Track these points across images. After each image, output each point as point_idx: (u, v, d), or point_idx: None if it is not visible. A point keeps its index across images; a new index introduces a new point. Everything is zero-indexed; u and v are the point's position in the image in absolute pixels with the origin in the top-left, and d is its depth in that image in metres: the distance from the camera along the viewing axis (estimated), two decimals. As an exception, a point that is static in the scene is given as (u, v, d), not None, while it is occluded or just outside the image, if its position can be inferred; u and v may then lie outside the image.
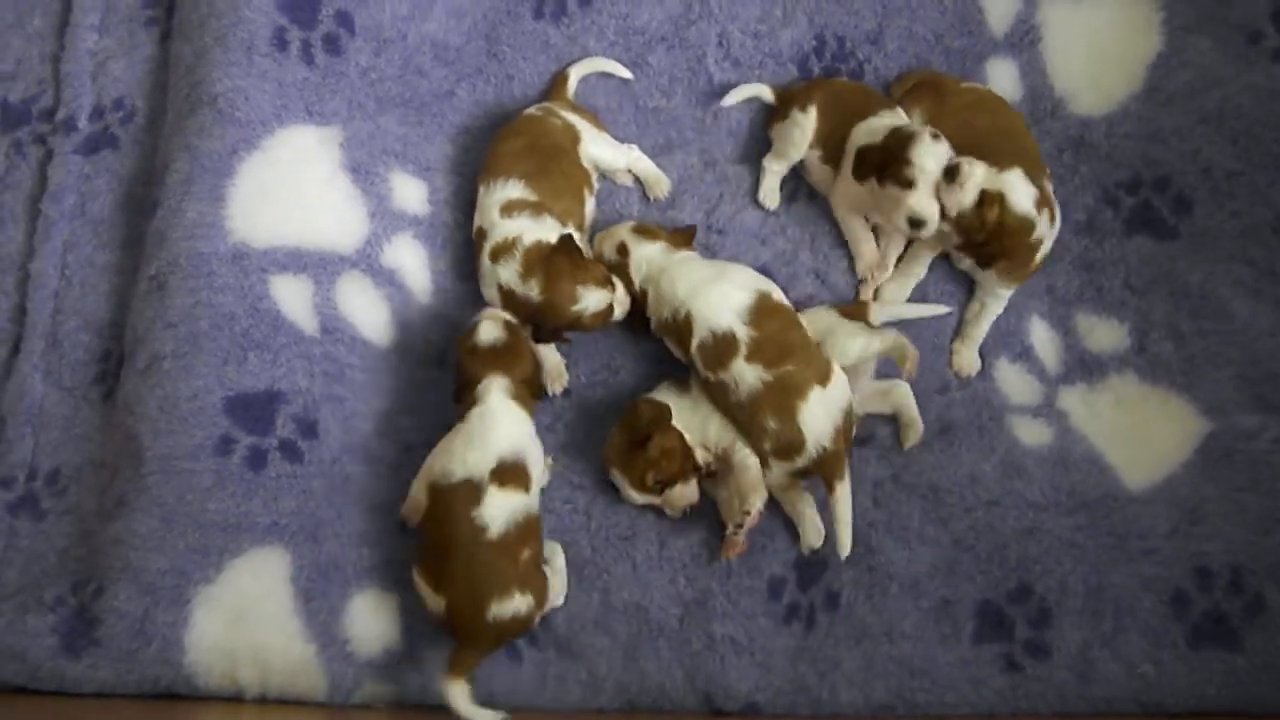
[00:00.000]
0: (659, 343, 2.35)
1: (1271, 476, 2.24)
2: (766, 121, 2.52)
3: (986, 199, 2.23)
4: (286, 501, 2.24)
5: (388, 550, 2.26)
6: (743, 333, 2.18)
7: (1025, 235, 2.26)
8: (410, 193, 2.49)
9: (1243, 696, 2.15)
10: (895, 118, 2.39)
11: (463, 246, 2.48)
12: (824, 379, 2.17)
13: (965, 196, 2.24)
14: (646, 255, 2.30)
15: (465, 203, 2.49)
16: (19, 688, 2.20)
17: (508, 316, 2.24)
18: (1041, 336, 2.41)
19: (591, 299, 2.24)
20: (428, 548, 2.12)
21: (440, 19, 2.56)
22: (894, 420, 2.33)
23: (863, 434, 2.32)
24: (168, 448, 2.24)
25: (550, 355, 2.35)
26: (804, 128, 2.42)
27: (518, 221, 2.29)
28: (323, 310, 2.35)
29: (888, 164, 2.27)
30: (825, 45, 2.57)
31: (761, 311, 2.21)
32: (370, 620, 2.22)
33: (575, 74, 2.54)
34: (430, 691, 2.18)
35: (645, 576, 2.26)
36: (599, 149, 2.44)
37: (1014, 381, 2.38)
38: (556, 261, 2.23)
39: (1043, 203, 2.26)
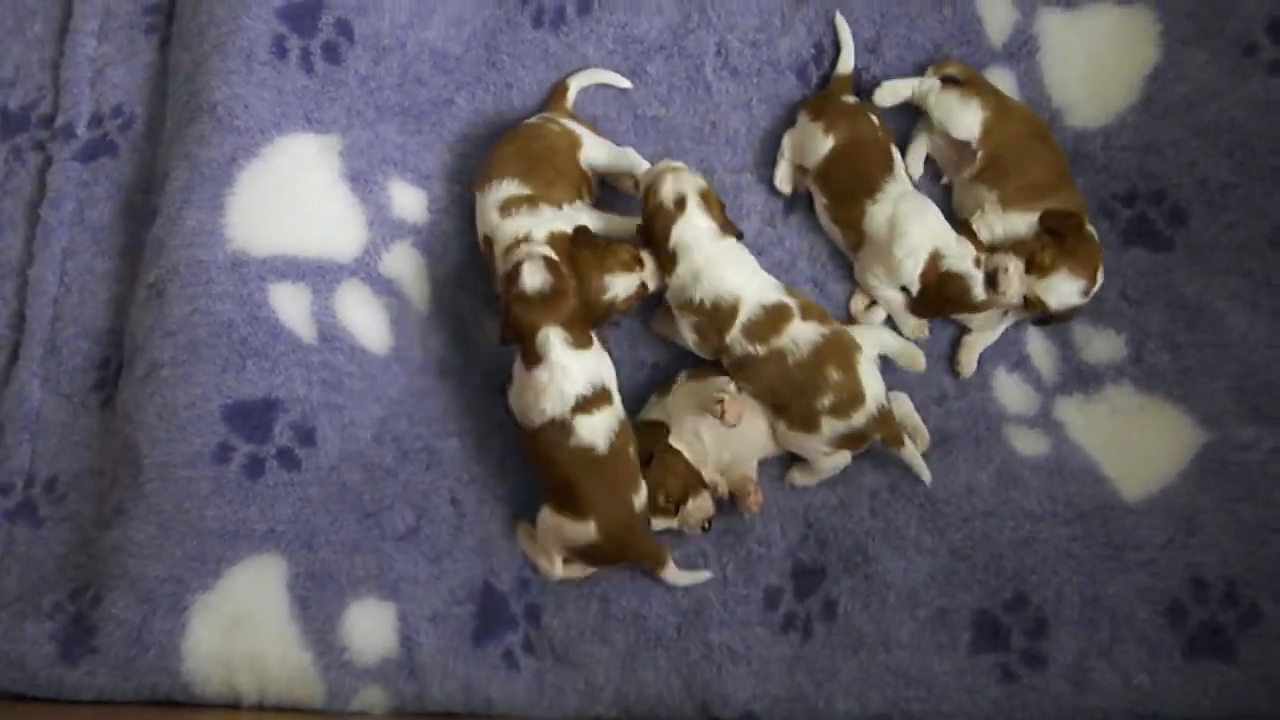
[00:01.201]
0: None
1: (1267, 488, 2.24)
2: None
3: (1030, 303, 2.31)
4: (284, 509, 2.25)
5: (385, 558, 2.26)
6: (790, 301, 2.23)
7: (1073, 313, 2.35)
8: (409, 201, 2.49)
9: (1238, 708, 2.15)
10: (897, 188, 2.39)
11: (461, 255, 2.48)
12: (860, 347, 2.25)
13: (1010, 300, 2.31)
14: (697, 229, 2.25)
15: (464, 211, 2.49)
16: (17, 695, 2.20)
17: (545, 251, 2.22)
18: (1038, 347, 2.41)
19: (620, 285, 2.24)
20: (549, 487, 2.19)
21: (439, 27, 2.57)
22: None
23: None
24: (166, 455, 2.24)
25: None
26: (818, 147, 2.43)
27: (518, 219, 2.29)
28: (321, 319, 2.35)
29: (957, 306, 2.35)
30: (824, 54, 2.57)
31: (792, 292, 2.28)
32: (368, 628, 2.22)
33: (574, 85, 2.54)
34: (427, 699, 2.19)
35: (643, 585, 2.26)
36: (599, 152, 2.44)
37: (1011, 391, 2.39)
38: (580, 256, 2.24)
39: (1090, 282, 2.31)
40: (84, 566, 2.29)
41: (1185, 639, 2.18)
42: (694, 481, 2.22)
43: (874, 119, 2.45)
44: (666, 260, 2.26)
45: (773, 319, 2.21)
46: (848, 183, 2.39)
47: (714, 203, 2.29)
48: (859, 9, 2.57)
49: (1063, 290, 2.28)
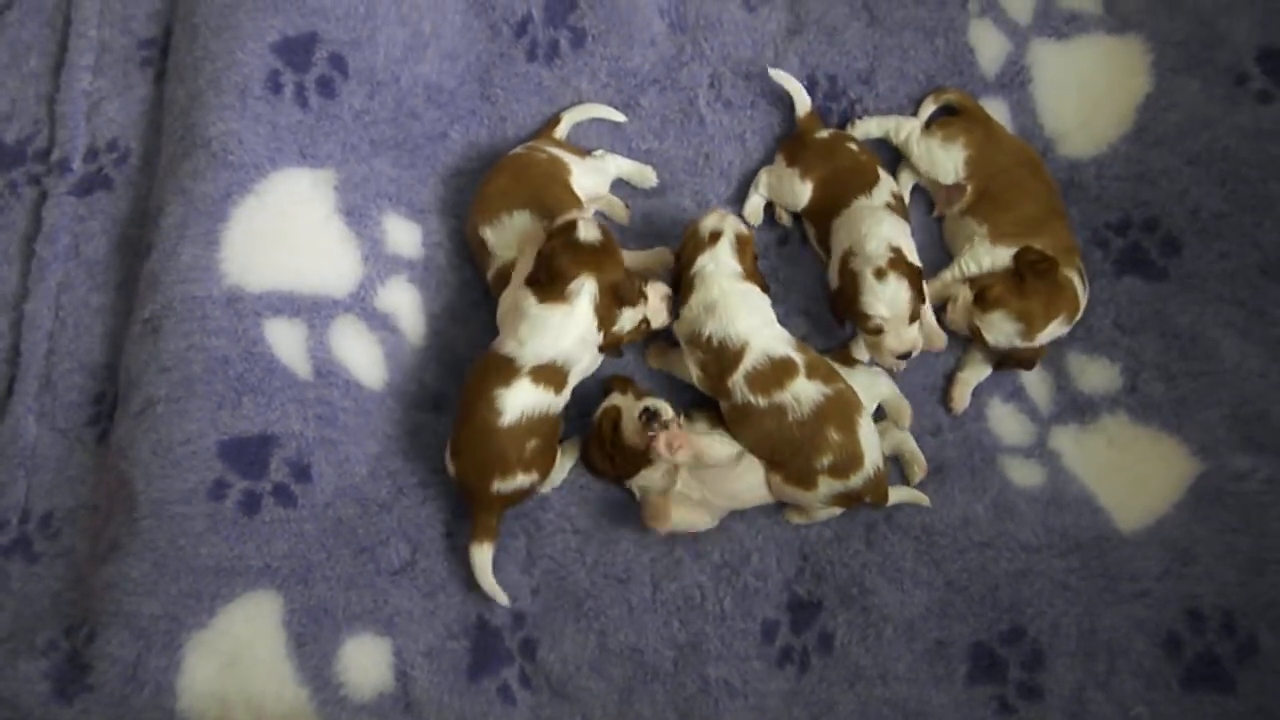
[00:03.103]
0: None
1: (1262, 517, 2.24)
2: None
3: (973, 332, 2.31)
4: (279, 545, 2.24)
5: (380, 593, 2.26)
6: (798, 358, 2.22)
7: (1031, 354, 2.33)
8: (404, 236, 2.50)
9: (1237, 740, 2.15)
10: (885, 191, 2.39)
11: (456, 289, 2.49)
12: (861, 406, 2.24)
13: (962, 328, 2.33)
14: (721, 263, 2.27)
15: (459, 245, 2.51)
16: (11, 734, 2.20)
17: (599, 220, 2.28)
18: (1033, 377, 2.42)
19: (625, 319, 2.25)
20: (458, 412, 2.25)
21: (433, 62, 2.58)
22: (891, 462, 2.33)
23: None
24: (161, 492, 2.24)
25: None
26: (796, 194, 2.45)
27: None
28: (316, 354, 2.35)
29: (848, 311, 2.28)
30: (817, 85, 2.59)
31: (803, 347, 2.27)
32: (363, 664, 2.22)
33: (567, 119, 2.56)
34: (423, 736, 2.19)
35: (641, 619, 2.26)
36: (589, 179, 2.46)
37: (1006, 422, 2.39)
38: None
39: (1030, 327, 2.28)
40: (79, 603, 2.28)
41: (1183, 670, 2.18)
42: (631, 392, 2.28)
43: (852, 146, 2.46)
44: (684, 288, 2.29)
45: (777, 372, 2.21)
46: (829, 209, 2.41)
47: (748, 250, 2.31)
48: (852, 41, 2.59)
49: (998, 329, 2.28)
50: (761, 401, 2.20)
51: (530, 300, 2.19)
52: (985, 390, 2.40)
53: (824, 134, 2.49)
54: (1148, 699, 2.16)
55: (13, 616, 2.31)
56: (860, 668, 2.21)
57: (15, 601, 2.33)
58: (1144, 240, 2.46)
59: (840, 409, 2.20)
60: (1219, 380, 2.34)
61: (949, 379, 2.41)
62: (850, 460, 2.18)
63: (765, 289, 2.32)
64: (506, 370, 2.19)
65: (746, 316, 2.24)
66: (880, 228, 2.27)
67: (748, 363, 2.21)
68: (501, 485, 2.20)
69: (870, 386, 2.33)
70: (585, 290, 2.18)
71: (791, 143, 2.51)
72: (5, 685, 2.19)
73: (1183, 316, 2.39)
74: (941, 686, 2.19)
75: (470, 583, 2.27)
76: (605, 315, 2.21)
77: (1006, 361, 2.36)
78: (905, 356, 2.27)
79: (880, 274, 2.21)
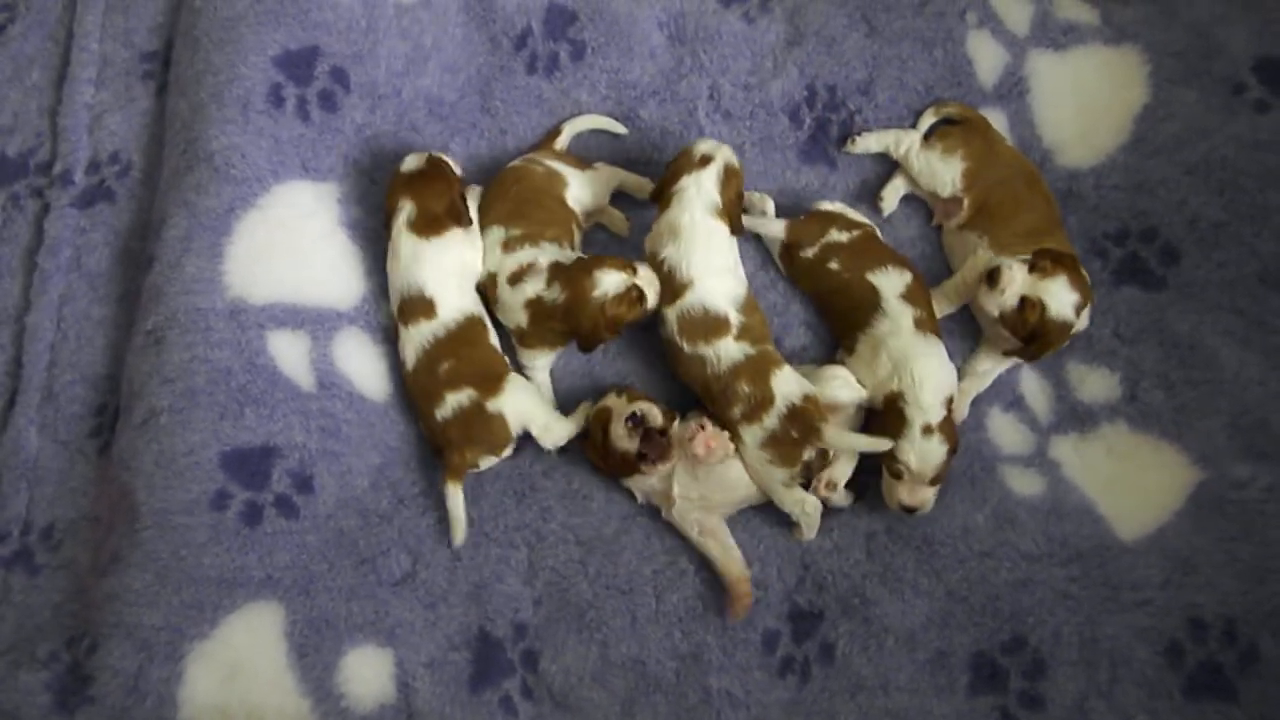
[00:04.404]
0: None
1: (1263, 526, 2.24)
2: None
3: (1028, 305, 2.25)
4: (281, 556, 2.25)
5: (381, 604, 2.26)
6: (734, 318, 2.26)
7: (1064, 335, 2.29)
8: (406, 247, 2.50)
9: (1240, 749, 2.15)
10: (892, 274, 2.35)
11: (458, 301, 2.49)
12: (781, 362, 2.27)
13: (1007, 301, 2.26)
14: (703, 189, 2.30)
15: (460, 257, 2.51)
16: (12, 746, 2.19)
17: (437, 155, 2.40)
18: (1032, 386, 2.42)
19: (609, 280, 2.25)
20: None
21: (434, 75, 2.59)
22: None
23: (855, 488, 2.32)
24: (163, 503, 2.24)
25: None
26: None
27: (524, 252, 2.34)
28: (319, 366, 2.36)
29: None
30: (816, 96, 2.60)
31: (749, 305, 2.31)
32: (365, 675, 2.22)
33: (568, 130, 2.57)
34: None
35: (643, 630, 2.26)
36: (587, 191, 2.47)
37: (1006, 431, 2.39)
38: (573, 264, 2.30)
39: (1083, 303, 2.27)
40: (80, 615, 2.28)
41: (1185, 679, 2.17)
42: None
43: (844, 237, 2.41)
44: (661, 204, 2.32)
45: (707, 327, 2.26)
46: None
47: (733, 184, 2.33)
48: (851, 52, 2.60)
49: (1060, 297, 2.23)
50: (686, 346, 2.26)
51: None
52: (985, 400, 2.41)
53: (810, 253, 2.41)
54: (1150, 708, 2.16)
55: (14, 628, 2.32)
56: (862, 678, 2.21)
57: (16, 613, 2.34)
58: (1143, 250, 2.46)
59: (757, 365, 2.23)
60: (1218, 389, 2.35)
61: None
62: (760, 402, 2.20)
63: (737, 229, 2.34)
64: (396, 329, 2.38)
65: (704, 255, 2.28)
66: (937, 374, 2.24)
67: (684, 303, 2.26)
68: (443, 412, 2.28)
69: (855, 393, 2.30)
70: (401, 215, 2.33)
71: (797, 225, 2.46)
72: (7, 697, 2.19)
73: (1182, 325, 2.40)
74: (943, 697, 2.19)
75: (472, 594, 2.27)
76: (432, 231, 2.33)
77: (1024, 351, 2.30)
78: (909, 511, 2.25)
79: (928, 431, 2.20)
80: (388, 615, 2.25)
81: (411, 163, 2.37)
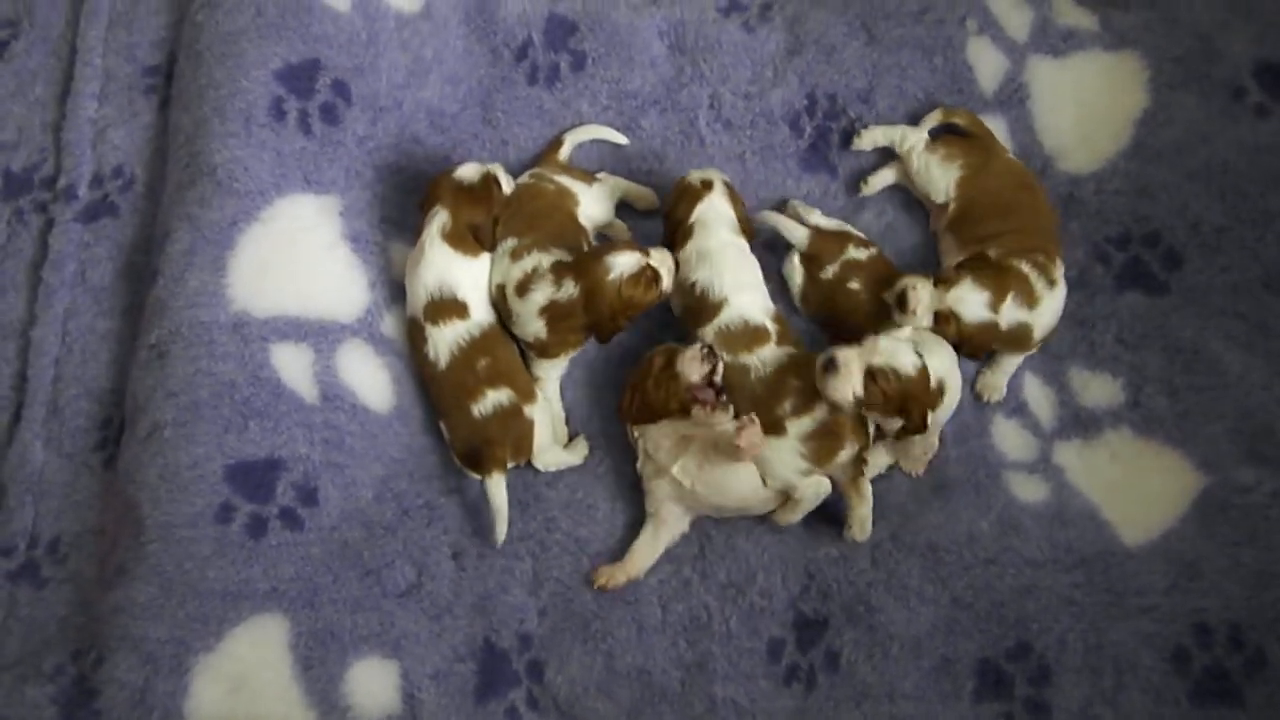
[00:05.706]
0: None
1: (1268, 530, 2.24)
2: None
3: (942, 318, 2.29)
4: (286, 568, 2.25)
5: (386, 616, 2.26)
6: (772, 327, 2.33)
7: (993, 334, 2.31)
8: (409, 260, 2.51)
9: (1248, 755, 2.14)
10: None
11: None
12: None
13: (921, 321, 2.30)
14: (719, 211, 2.38)
15: (464, 269, 2.52)
16: (18, 761, 2.19)
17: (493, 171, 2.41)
18: (1036, 392, 2.42)
19: (623, 261, 2.27)
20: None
21: (436, 87, 2.60)
22: (889, 479, 2.34)
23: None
24: (168, 515, 2.24)
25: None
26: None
27: (530, 258, 2.35)
28: (323, 378, 2.36)
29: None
30: (817, 104, 2.61)
31: (777, 315, 2.38)
32: (370, 686, 2.22)
33: (570, 141, 2.58)
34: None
35: (648, 640, 2.26)
36: (598, 207, 2.49)
37: (1010, 438, 2.39)
38: (581, 255, 2.32)
39: (998, 298, 2.28)
40: (86, 628, 2.28)
41: (1191, 685, 2.17)
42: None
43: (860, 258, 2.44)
44: (680, 237, 2.36)
45: (748, 338, 2.30)
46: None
47: (738, 198, 2.42)
48: (851, 60, 2.61)
49: (969, 301, 2.27)
50: (726, 356, 2.28)
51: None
52: (988, 406, 2.41)
53: (829, 274, 2.44)
54: (1156, 714, 2.16)
55: (20, 641, 2.32)
56: (867, 685, 2.20)
57: (22, 626, 2.34)
58: (1145, 254, 2.46)
59: (800, 364, 2.26)
60: (1222, 394, 2.35)
61: (976, 372, 2.43)
62: (813, 396, 2.21)
63: (752, 235, 2.42)
64: (417, 330, 2.38)
65: (735, 274, 2.34)
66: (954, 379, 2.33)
67: (721, 319, 2.30)
68: (481, 408, 2.29)
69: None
70: (434, 220, 2.36)
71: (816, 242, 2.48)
72: (13, 711, 2.19)
73: (1185, 330, 2.40)
74: (948, 704, 2.19)
75: (477, 605, 2.27)
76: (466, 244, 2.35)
77: (960, 349, 2.32)
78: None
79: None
80: (393, 627, 2.25)
81: (466, 172, 2.39)
